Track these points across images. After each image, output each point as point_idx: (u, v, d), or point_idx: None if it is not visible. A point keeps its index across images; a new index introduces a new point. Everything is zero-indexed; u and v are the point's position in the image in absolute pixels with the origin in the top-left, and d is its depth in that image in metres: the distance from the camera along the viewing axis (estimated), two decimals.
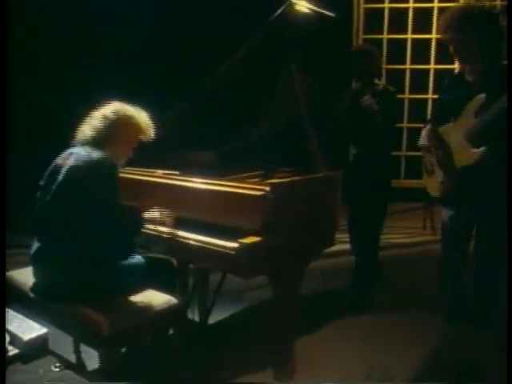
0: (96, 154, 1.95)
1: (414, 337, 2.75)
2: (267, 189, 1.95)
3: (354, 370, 2.37)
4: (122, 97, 2.20)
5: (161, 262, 2.22)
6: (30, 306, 2.08)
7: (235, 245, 1.87)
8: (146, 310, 1.91)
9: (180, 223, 2.14)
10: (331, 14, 2.58)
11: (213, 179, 2.19)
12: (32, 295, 2.02)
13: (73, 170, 1.94)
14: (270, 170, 2.59)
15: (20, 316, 1.81)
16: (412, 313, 3.06)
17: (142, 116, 2.13)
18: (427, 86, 5.66)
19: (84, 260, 1.91)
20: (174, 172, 2.48)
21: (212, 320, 2.78)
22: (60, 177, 1.95)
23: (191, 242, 2.03)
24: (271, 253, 1.94)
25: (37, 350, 1.61)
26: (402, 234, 5.05)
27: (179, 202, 2.19)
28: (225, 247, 1.90)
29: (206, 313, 2.68)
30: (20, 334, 1.63)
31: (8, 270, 2.44)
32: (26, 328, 1.67)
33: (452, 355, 2.47)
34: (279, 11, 2.35)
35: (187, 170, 2.40)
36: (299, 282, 2.19)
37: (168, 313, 1.95)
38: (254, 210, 1.94)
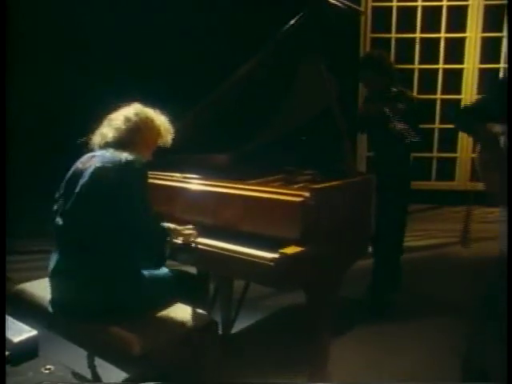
0: (124, 155, 1.80)
1: (432, 341, 2.67)
2: (307, 195, 1.81)
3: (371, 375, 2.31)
4: (136, 100, 2.06)
5: (190, 276, 2.07)
6: (50, 323, 1.92)
7: (275, 255, 1.72)
8: (178, 326, 1.76)
9: (209, 231, 1.99)
10: (360, 9, 2.46)
11: (244, 184, 2.04)
12: (51, 311, 1.86)
13: (99, 171, 1.78)
14: (290, 173, 2.47)
15: (10, 318, 1.70)
16: (431, 317, 2.97)
17: (162, 120, 2.00)
18: (436, 86, 5.56)
19: (111, 271, 1.76)
20: (193, 176, 2.33)
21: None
22: (83, 180, 1.79)
23: (223, 252, 1.87)
24: (313, 263, 1.80)
25: (26, 352, 1.52)
26: (411, 236, 4.95)
27: (209, 209, 2.04)
28: (263, 258, 1.75)
29: (229, 324, 2.53)
30: (10, 336, 1.55)
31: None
32: (15, 330, 1.59)
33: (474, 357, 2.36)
34: (309, 7, 2.22)
35: (203, 173, 2.27)
36: (336, 292, 2.06)
37: (202, 328, 1.80)
38: (293, 218, 1.79)
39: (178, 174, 2.37)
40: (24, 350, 1.52)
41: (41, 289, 2.02)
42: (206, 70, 4.41)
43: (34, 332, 1.59)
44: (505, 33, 5.24)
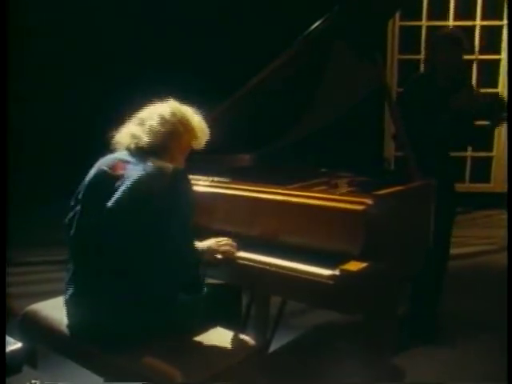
0: (169, 166, 1.67)
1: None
2: (370, 202, 1.69)
3: None
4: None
5: (226, 291, 1.95)
6: (70, 352, 1.80)
7: (334, 272, 1.60)
8: (221, 354, 1.64)
9: (252, 245, 1.86)
10: None
11: (291, 190, 1.93)
12: (72, 340, 1.73)
13: (142, 185, 1.62)
14: (329, 176, 2.35)
15: None
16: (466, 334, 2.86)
17: (197, 120, 1.86)
18: (470, 78, 5.44)
19: (143, 295, 1.63)
20: (222, 179, 2.21)
21: None
22: (119, 194, 1.62)
23: (271, 268, 1.74)
24: (375, 281, 1.68)
25: (10, 366, 1.48)
26: None
27: (252, 219, 1.92)
28: (319, 275, 1.63)
29: (265, 344, 2.40)
30: None
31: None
32: None
33: None
34: None
35: (227, 175, 2.18)
36: (395, 310, 1.95)
37: (247, 356, 1.68)
38: (355, 228, 1.67)
39: (203, 177, 2.25)
40: (8, 363, 1.47)
41: (57, 310, 1.88)
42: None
43: (18, 344, 1.55)
44: None
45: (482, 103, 2.70)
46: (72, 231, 1.73)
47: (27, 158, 5.26)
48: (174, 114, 1.79)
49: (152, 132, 1.75)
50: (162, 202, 1.61)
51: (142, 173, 1.64)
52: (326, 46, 2.19)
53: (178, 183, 1.66)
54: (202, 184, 2.19)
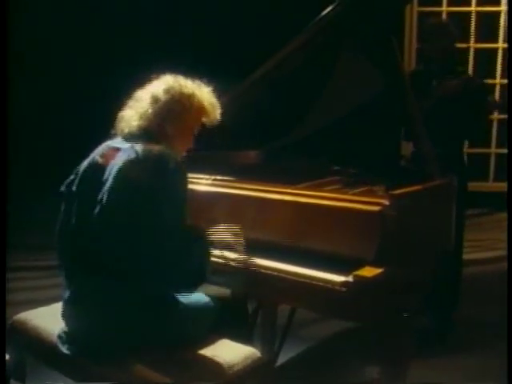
0: (156, 149, 1.62)
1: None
2: (386, 202, 1.67)
3: None
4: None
5: (231, 301, 1.93)
6: (60, 364, 1.78)
7: (348, 279, 1.58)
8: (225, 368, 1.61)
9: (257, 249, 1.83)
10: None
11: (299, 189, 1.91)
12: (65, 350, 1.70)
13: (125, 172, 1.60)
14: (342, 174, 2.32)
15: None
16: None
17: (204, 93, 1.80)
18: (494, 69, 5.40)
19: (143, 300, 1.62)
20: (226, 178, 2.19)
21: None
22: (107, 185, 1.61)
23: (278, 274, 1.72)
24: (393, 288, 1.65)
25: None
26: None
27: (258, 221, 1.90)
28: (331, 282, 1.61)
29: (273, 357, 2.39)
30: None
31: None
32: None
33: None
34: None
35: (230, 174, 2.16)
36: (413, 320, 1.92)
37: (253, 370, 1.66)
38: (369, 231, 1.66)
39: (205, 176, 2.23)
40: None
41: (48, 319, 1.87)
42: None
43: (5, 356, 1.58)
44: None
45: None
46: (70, 226, 1.70)
47: (25, 160, 5.34)
48: (167, 91, 1.74)
49: (142, 115, 1.72)
50: (149, 190, 1.57)
51: (126, 160, 1.61)
52: (338, 33, 2.17)
53: (164, 167, 1.60)
54: (203, 183, 2.17)
